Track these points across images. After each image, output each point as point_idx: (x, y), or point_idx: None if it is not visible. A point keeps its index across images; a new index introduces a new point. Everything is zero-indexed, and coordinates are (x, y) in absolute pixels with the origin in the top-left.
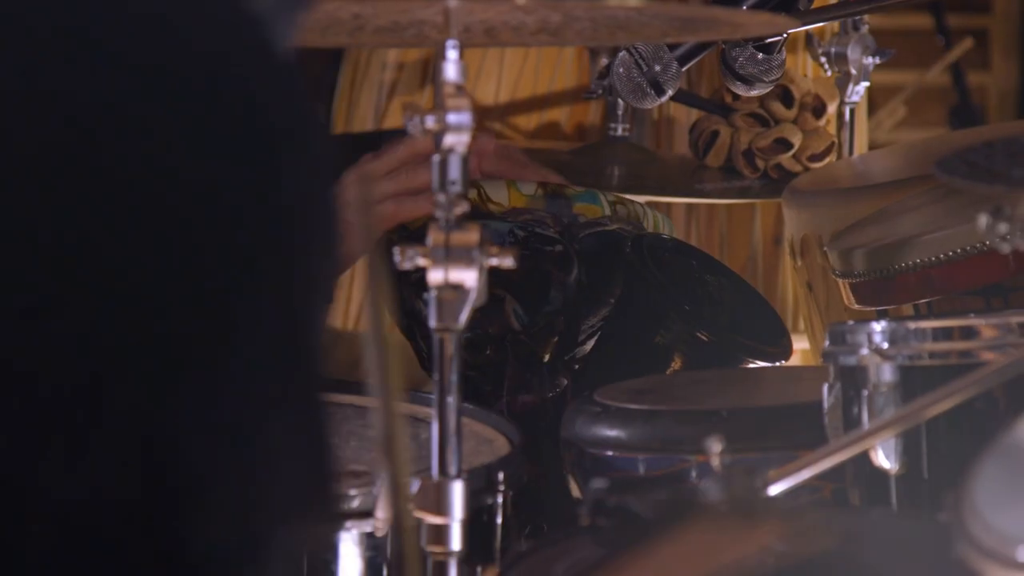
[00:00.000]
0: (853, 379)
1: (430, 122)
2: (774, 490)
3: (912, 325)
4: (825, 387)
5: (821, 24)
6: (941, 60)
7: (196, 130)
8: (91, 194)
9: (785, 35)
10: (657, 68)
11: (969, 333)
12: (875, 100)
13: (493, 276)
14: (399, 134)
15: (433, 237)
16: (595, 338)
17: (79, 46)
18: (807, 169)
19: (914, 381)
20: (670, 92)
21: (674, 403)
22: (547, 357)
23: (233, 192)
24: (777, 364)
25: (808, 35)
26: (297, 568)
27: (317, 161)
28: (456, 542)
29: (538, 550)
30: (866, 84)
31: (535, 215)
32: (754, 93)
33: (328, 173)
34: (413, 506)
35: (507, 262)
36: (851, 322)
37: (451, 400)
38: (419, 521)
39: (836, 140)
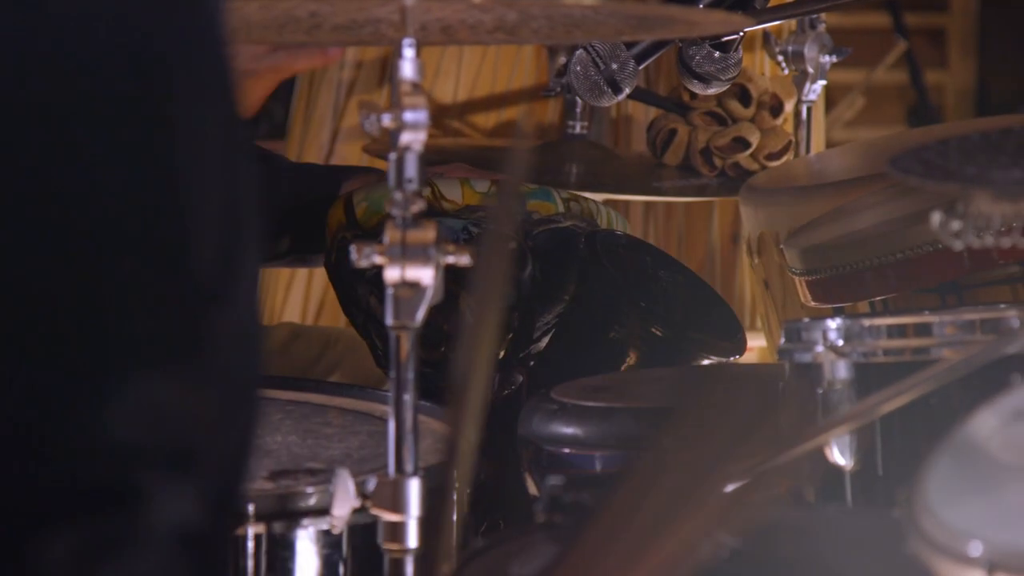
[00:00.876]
0: (808, 376)
1: (387, 120)
2: (730, 487)
3: (867, 322)
4: (781, 384)
5: (778, 23)
6: (887, 58)
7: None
8: None
9: (742, 33)
10: (614, 66)
11: (923, 330)
12: (832, 98)
13: (448, 273)
14: (360, 171)
15: (389, 235)
16: (550, 335)
17: None
18: (764, 167)
19: (868, 378)
20: (627, 90)
21: (630, 400)
22: (502, 354)
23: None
24: (732, 360)
25: (765, 33)
26: None
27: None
28: (413, 540)
29: (494, 547)
30: (823, 83)
31: (489, 212)
32: (711, 91)
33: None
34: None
35: (463, 260)
36: (806, 319)
37: (407, 397)
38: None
39: (793, 138)
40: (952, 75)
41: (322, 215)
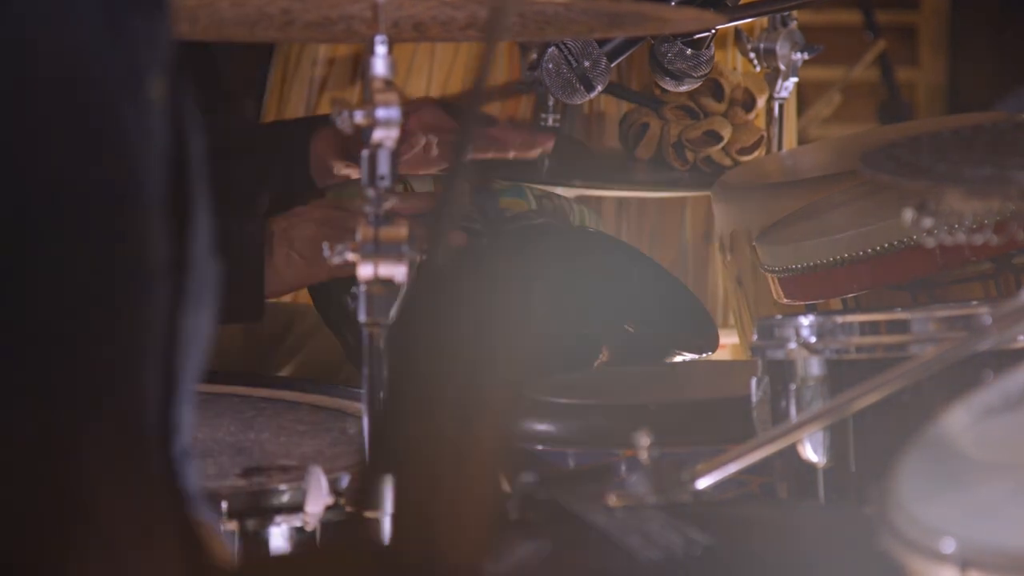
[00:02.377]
0: (781, 373)
1: (359, 117)
2: (702, 484)
3: (839, 319)
4: (753, 381)
5: (750, 20)
6: (866, 57)
7: None
8: None
9: (713, 31)
10: (586, 64)
11: (896, 327)
12: (804, 95)
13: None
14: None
15: (362, 232)
16: None
17: None
18: (736, 162)
19: (841, 375)
20: (599, 88)
21: (603, 397)
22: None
23: None
24: (704, 356)
25: (737, 31)
26: None
27: None
28: (386, 536)
29: None
30: (795, 79)
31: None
32: (683, 89)
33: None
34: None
35: (436, 255)
36: (779, 316)
37: (381, 395)
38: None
39: (765, 134)
40: (923, 73)
41: (298, 170)
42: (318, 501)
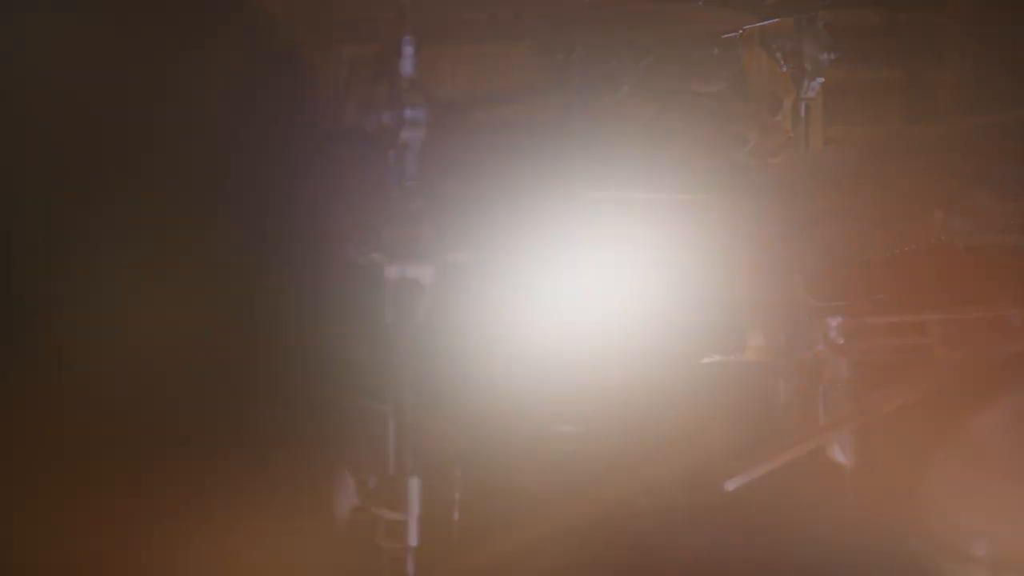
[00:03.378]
0: (809, 375)
1: (386, 118)
2: (731, 485)
3: (867, 320)
4: (781, 382)
5: (776, 20)
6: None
7: None
8: None
9: (741, 30)
10: (613, 63)
11: (924, 328)
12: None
13: None
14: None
15: (388, 233)
16: None
17: None
18: (764, 164)
19: (869, 376)
20: (625, 88)
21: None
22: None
23: None
24: (731, 357)
25: (763, 30)
26: None
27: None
28: (413, 537)
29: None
30: (821, 79)
31: None
32: (710, 89)
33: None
34: None
35: (462, 258)
36: (807, 317)
37: (407, 396)
38: None
39: (792, 135)
40: (949, 72)
41: None
42: (345, 503)
